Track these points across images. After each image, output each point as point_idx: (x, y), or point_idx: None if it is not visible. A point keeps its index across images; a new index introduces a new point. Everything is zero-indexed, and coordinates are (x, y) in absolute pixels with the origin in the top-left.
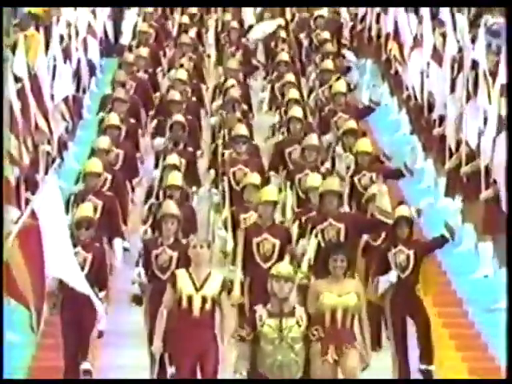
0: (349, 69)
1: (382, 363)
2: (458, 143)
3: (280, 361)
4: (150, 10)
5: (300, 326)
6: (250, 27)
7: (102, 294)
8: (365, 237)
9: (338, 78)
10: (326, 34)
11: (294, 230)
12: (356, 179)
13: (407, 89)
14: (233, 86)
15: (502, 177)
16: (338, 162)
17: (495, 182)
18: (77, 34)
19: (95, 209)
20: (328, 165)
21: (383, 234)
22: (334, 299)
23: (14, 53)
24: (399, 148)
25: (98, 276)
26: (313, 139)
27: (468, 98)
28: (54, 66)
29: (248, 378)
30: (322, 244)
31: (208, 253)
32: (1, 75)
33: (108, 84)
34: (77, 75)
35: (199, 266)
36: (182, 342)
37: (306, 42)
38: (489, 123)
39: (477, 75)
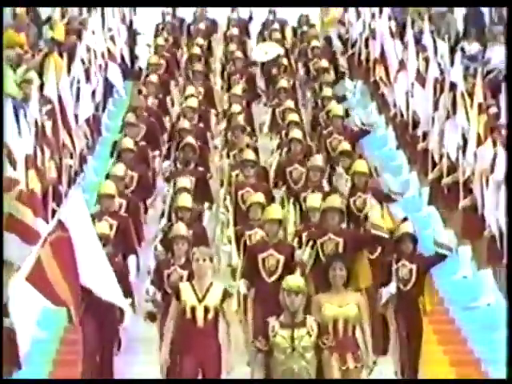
0: (345, 96)
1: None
2: (440, 157)
3: (291, 369)
4: (161, 42)
5: (311, 335)
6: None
7: (127, 302)
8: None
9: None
10: (324, 63)
11: (295, 244)
12: (351, 200)
13: (394, 107)
14: (239, 112)
15: (478, 188)
16: (339, 179)
17: (471, 191)
18: (95, 57)
19: (110, 228)
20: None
21: (379, 249)
22: (335, 310)
23: (39, 75)
24: (386, 162)
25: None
26: (317, 160)
27: (448, 117)
28: (78, 88)
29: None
30: (322, 258)
31: (209, 265)
32: (1, 75)
33: (124, 104)
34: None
35: (201, 278)
36: (187, 351)
37: (302, 71)
38: (470, 139)
39: (455, 96)
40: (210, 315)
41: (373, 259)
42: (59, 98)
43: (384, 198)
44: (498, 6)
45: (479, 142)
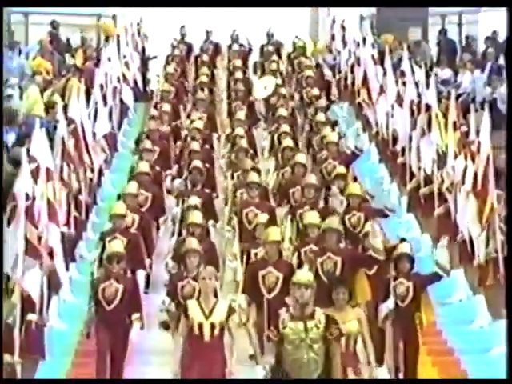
0: (336, 122)
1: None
2: (417, 169)
3: (300, 359)
4: (171, 70)
5: (319, 328)
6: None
7: (136, 316)
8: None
9: (332, 130)
10: (317, 91)
11: (294, 261)
12: (347, 218)
13: (376, 126)
14: (242, 136)
15: (452, 198)
16: (334, 199)
17: (446, 200)
18: (111, 81)
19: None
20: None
21: (375, 267)
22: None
23: (62, 98)
24: (370, 174)
25: (131, 303)
26: (311, 178)
27: (423, 134)
28: (96, 109)
29: (271, 373)
30: (322, 276)
31: (214, 284)
32: (0, 75)
33: (137, 124)
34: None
35: (207, 296)
36: (194, 364)
37: (298, 98)
38: (448, 153)
39: (430, 116)
40: (216, 331)
41: (370, 275)
42: (81, 119)
43: (377, 214)
44: (498, 6)
45: (454, 157)
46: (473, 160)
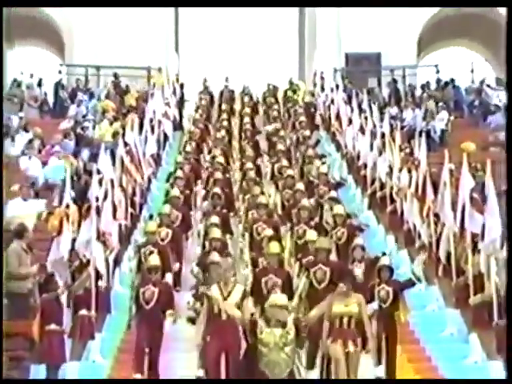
0: (323, 155)
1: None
2: (375, 179)
3: (274, 360)
4: (197, 117)
5: (289, 333)
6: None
7: (169, 312)
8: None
9: (323, 163)
10: (307, 133)
11: (296, 268)
12: (334, 232)
13: (345, 148)
14: (251, 168)
15: (399, 199)
16: (328, 216)
17: (394, 201)
18: (155, 116)
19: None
20: (317, 218)
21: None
22: (342, 309)
23: (123, 128)
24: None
25: (165, 302)
26: (305, 202)
27: (380, 154)
28: (146, 137)
29: (253, 375)
30: (315, 283)
31: (231, 273)
32: (0, 75)
33: (174, 147)
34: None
35: (226, 282)
36: (214, 337)
37: (294, 138)
38: (396, 167)
39: (384, 141)
40: None
41: (360, 283)
42: (134, 142)
43: (356, 229)
44: (498, 6)
45: (400, 170)
46: (413, 171)
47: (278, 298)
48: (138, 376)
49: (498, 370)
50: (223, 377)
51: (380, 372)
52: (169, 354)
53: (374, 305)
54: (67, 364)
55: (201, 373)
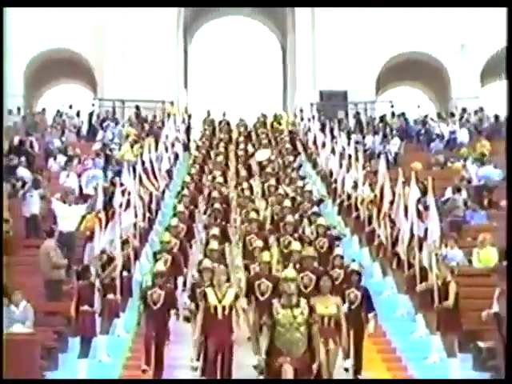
0: (301, 165)
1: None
2: (343, 192)
3: (290, 339)
4: (200, 144)
5: (303, 314)
6: (252, 154)
7: (173, 311)
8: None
9: (304, 184)
10: (291, 158)
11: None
12: (316, 242)
13: (320, 166)
14: (246, 188)
15: (362, 208)
16: (308, 228)
17: (358, 209)
18: (168, 139)
19: (166, 261)
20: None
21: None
22: (323, 310)
23: (142, 149)
24: (316, 193)
25: (170, 303)
26: (290, 218)
27: (348, 171)
28: (161, 157)
29: (266, 354)
30: (301, 287)
31: (225, 278)
32: (0, 74)
33: (184, 165)
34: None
35: (220, 286)
36: (211, 335)
37: (281, 162)
38: (359, 182)
39: (351, 161)
40: (227, 311)
41: (335, 285)
42: (150, 161)
43: (335, 239)
44: (498, 6)
45: (363, 184)
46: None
47: (288, 271)
48: (145, 367)
49: (437, 343)
50: (219, 373)
51: (347, 364)
52: (171, 346)
53: (344, 306)
54: (97, 337)
55: (196, 363)
